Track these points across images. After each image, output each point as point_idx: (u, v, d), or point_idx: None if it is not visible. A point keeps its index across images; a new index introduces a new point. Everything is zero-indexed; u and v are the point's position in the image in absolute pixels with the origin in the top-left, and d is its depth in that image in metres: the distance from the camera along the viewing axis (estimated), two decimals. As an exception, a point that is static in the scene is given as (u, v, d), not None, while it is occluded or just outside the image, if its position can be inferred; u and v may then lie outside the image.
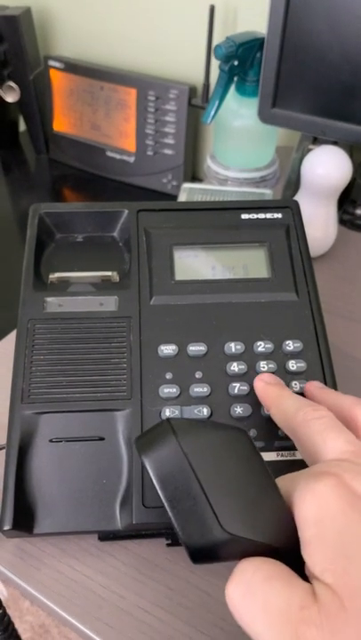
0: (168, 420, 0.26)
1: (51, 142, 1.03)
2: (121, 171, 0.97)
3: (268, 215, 0.47)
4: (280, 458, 0.38)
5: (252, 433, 0.39)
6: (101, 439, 0.39)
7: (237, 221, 0.47)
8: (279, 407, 0.34)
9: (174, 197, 0.80)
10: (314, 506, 0.24)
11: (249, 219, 0.47)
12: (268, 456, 0.38)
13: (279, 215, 0.48)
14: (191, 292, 0.44)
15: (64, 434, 0.39)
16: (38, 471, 0.38)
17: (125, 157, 0.96)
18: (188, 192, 0.72)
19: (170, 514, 0.24)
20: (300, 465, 0.37)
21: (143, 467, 0.37)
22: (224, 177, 0.75)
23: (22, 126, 1.07)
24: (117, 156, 0.96)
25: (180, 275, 0.45)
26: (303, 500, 0.24)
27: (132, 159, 0.95)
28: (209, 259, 0.46)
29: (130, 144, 0.94)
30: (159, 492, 0.24)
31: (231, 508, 0.24)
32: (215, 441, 0.26)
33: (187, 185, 0.73)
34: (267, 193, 0.71)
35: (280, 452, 0.38)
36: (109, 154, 0.97)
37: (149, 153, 0.93)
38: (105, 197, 0.97)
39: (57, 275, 0.45)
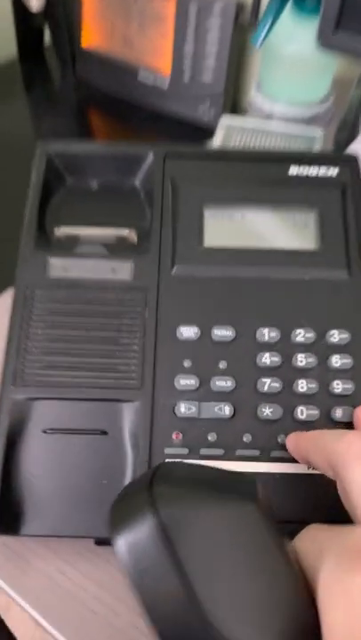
0: (150, 481, 0.19)
1: (78, 59, 0.93)
2: (153, 97, 0.87)
3: (321, 172, 0.39)
4: (311, 471, 0.32)
5: (282, 439, 0.33)
6: (104, 433, 0.33)
7: (283, 177, 0.39)
8: (317, 444, 0.27)
9: (211, 130, 0.71)
10: (343, 612, 0.18)
11: (298, 175, 0.39)
12: (298, 468, 0.32)
13: (334, 172, 0.39)
14: (222, 263, 0.36)
15: (61, 424, 0.33)
16: (29, 465, 0.33)
17: (159, 83, 0.86)
18: (226, 129, 0.63)
19: (146, 617, 0.18)
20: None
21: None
22: (269, 111, 0.65)
23: (47, 39, 0.97)
24: (150, 81, 0.86)
25: (210, 240, 0.37)
26: (330, 599, 0.18)
27: (165, 84, 0.85)
28: (245, 222, 0.38)
29: (165, 65, 0.84)
30: (132, 587, 0.18)
31: (230, 611, 0.18)
32: (210, 516, 0.19)
33: (225, 121, 0.64)
34: (317, 135, 0.62)
35: (312, 465, 0.32)
36: (141, 78, 0.87)
37: (186, 77, 0.83)
38: (134, 126, 0.88)
39: (64, 229, 0.39)
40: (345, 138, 0.63)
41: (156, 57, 0.84)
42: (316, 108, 0.63)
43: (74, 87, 0.96)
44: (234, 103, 0.86)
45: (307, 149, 0.60)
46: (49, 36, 0.94)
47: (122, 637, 0.32)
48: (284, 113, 0.63)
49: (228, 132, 0.62)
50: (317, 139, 0.61)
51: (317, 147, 0.60)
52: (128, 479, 0.33)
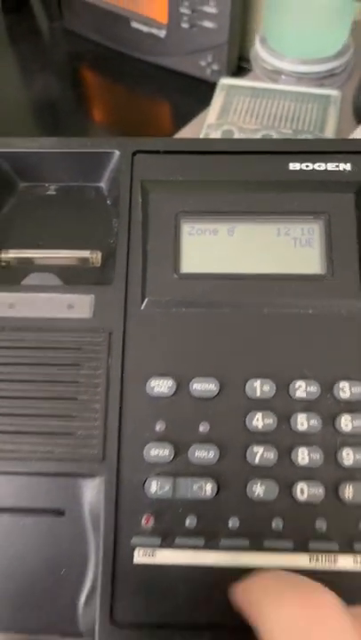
0: None
1: (65, 7, 0.83)
2: (149, 48, 0.78)
3: (331, 166, 0.31)
4: (314, 565, 0.26)
5: (277, 524, 0.26)
6: (60, 514, 0.28)
7: (282, 174, 0.31)
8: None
9: (214, 86, 0.61)
10: None
11: (301, 171, 0.31)
12: (298, 560, 0.26)
13: (347, 166, 0.31)
14: (203, 294, 0.29)
15: (8, 502, 0.28)
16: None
17: (154, 30, 0.76)
18: (227, 91, 0.55)
19: None
20: (344, 578, 0.26)
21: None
22: (276, 69, 0.55)
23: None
24: (145, 29, 0.76)
25: (188, 264, 0.30)
26: None
27: (162, 33, 0.75)
28: (234, 239, 0.30)
29: (160, 12, 0.74)
30: None
31: None
32: None
33: (225, 81, 0.55)
34: (333, 95, 0.52)
35: (315, 555, 0.26)
36: (135, 25, 0.77)
37: (185, 25, 0.73)
38: (130, 81, 0.80)
39: (13, 254, 0.32)
40: (367, 99, 0.53)
41: (150, 3, 0.73)
42: (332, 63, 0.54)
43: (63, 39, 0.87)
44: (240, 55, 0.75)
45: (321, 113, 0.51)
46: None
47: None
48: (293, 70, 0.54)
49: (230, 94, 0.53)
50: (334, 100, 0.52)
51: (334, 109, 0.51)
52: (91, 570, 0.27)
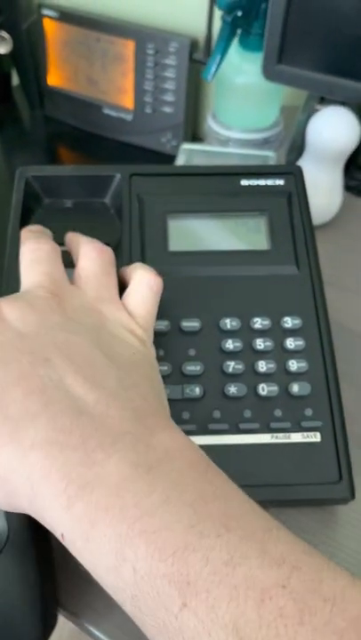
0: None
1: (45, 98, 0.98)
2: (118, 129, 0.93)
3: (270, 182, 0.45)
4: (274, 440, 0.36)
5: (247, 414, 0.37)
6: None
7: (237, 188, 0.44)
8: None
9: (174, 158, 0.76)
10: None
11: (249, 185, 0.44)
12: (263, 438, 0.36)
13: (281, 182, 0.45)
14: (186, 264, 0.41)
15: None
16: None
17: (123, 115, 0.91)
18: (188, 154, 0.69)
19: None
20: (296, 448, 0.36)
21: None
22: (225, 137, 0.71)
23: (15, 80, 1.02)
24: (114, 114, 0.92)
25: (174, 245, 0.42)
26: None
27: (129, 117, 0.91)
28: (205, 228, 0.43)
29: (128, 101, 0.90)
30: None
31: None
32: None
33: (186, 146, 0.70)
34: (270, 155, 0.68)
35: (275, 435, 0.37)
36: (106, 111, 0.92)
37: (148, 111, 0.89)
38: (102, 157, 0.94)
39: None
40: (295, 158, 0.69)
41: (119, 94, 0.90)
42: (268, 133, 0.69)
43: (43, 123, 1.01)
44: (193, 132, 0.92)
45: (261, 169, 0.66)
46: (16, 77, 1.00)
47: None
48: (238, 138, 0.70)
49: (190, 155, 0.68)
50: (271, 158, 0.67)
51: (270, 166, 0.66)
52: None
